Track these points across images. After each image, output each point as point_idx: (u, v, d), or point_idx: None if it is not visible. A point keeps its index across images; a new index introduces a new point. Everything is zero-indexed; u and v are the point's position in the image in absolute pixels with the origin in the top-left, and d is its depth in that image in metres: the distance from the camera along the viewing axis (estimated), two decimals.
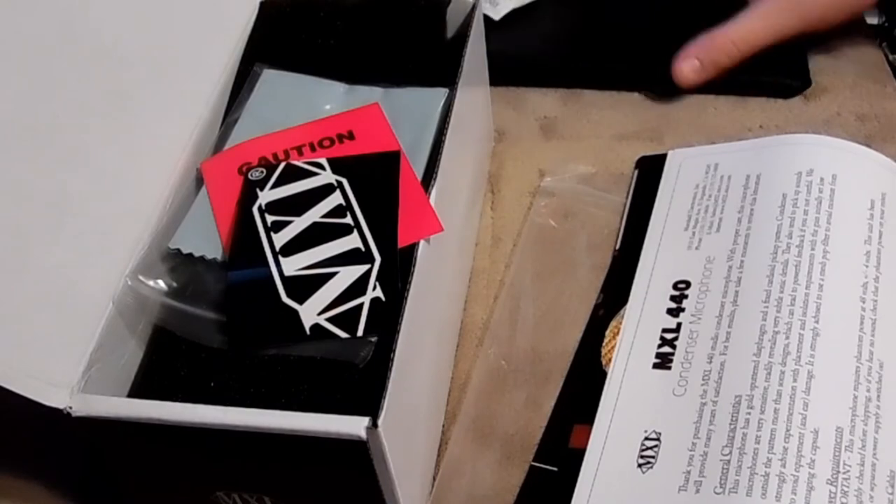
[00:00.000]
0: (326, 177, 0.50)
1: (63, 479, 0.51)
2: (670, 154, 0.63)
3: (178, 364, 0.47)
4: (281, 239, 0.48)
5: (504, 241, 0.61)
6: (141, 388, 0.47)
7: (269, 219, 0.48)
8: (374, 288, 0.46)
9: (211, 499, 0.45)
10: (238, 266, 0.47)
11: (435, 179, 0.49)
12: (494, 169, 0.66)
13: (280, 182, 0.50)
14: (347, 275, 0.46)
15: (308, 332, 0.45)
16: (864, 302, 0.50)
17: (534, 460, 0.50)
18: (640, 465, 0.47)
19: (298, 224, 0.48)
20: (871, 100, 0.67)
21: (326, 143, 0.53)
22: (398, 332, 0.42)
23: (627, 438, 0.49)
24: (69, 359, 0.43)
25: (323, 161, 0.51)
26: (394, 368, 0.40)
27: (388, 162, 0.51)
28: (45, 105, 0.47)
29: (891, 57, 0.71)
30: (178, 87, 0.54)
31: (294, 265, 0.47)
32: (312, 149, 0.53)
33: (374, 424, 0.38)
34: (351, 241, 0.47)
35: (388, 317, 0.44)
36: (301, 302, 0.45)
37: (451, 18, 0.60)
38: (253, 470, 0.43)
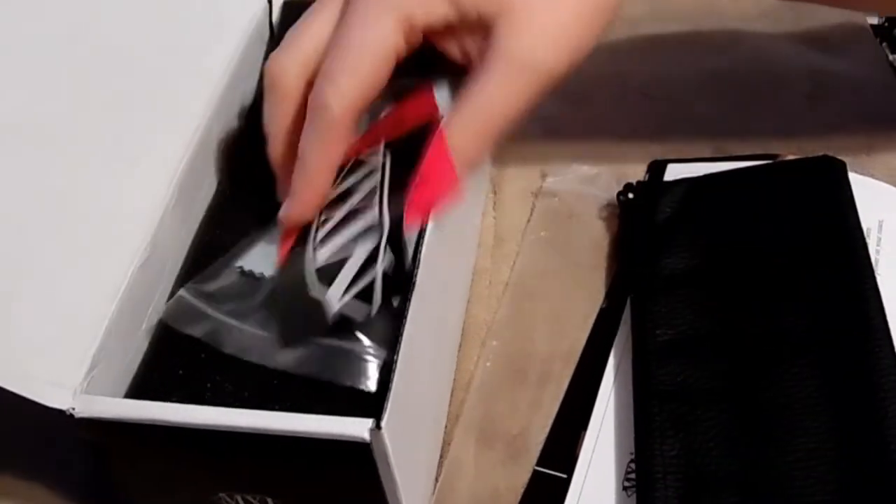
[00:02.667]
0: (376, 160, 0.49)
1: (65, 480, 0.51)
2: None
3: (176, 366, 0.47)
4: (321, 233, 0.47)
5: (506, 241, 0.61)
6: (139, 390, 0.47)
7: (322, 216, 0.48)
8: (385, 254, 0.46)
9: (213, 500, 0.45)
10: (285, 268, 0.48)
11: None
12: (496, 169, 0.66)
13: (343, 178, 0.49)
14: (363, 251, 0.46)
15: (330, 318, 0.45)
16: None
17: (539, 465, 0.50)
18: (625, 489, 0.48)
19: (339, 213, 0.48)
20: (872, 100, 0.67)
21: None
22: (401, 334, 0.42)
23: (614, 458, 0.49)
24: (71, 359, 0.43)
25: (381, 147, 0.50)
26: (397, 370, 0.40)
27: (425, 131, 0.48)
28: (46, 105, 0.47)
29: (891, 57, 0.71)
30: (180, 88, 0.54)
31: (324, 255, 0.46)
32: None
33: (378, 426, 0.38)
34: (371, 217, 0.47)
35: (398, 283, 0.45)
36: (326, 290, 0.45)
37: None
38: (256, 471, 0.43)
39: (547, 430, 0.51)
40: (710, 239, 0.55)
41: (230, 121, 0.57)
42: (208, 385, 0.46)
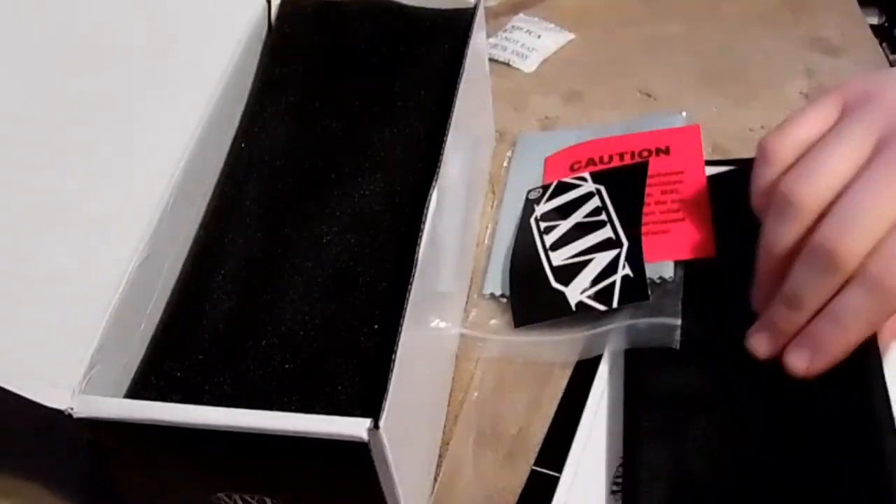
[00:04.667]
0: (588, 186, 0.59)
1: (64, 480, 0.51)
2: None
3: (175, 368, 0.47)
4: (550, 238, 0.57)
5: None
6: (137, 391, 0.47)
7: (542, 225, 0.58)
8: (623, 267, 0.53)
9: (212, 500, 0.45)
10: (517, 263, 0.57)
11: (436, 179, 0.49)
12: (496, 169, 0.66)
13: (552, 197, 0.60)
14: (602, 259, 0.54)
15: (573, 308, 0.53)
16: None
17: (537, 465, 0.50)
18: (613, 493, 0.48)
19: (564, 226, 0.58)
20: None
21: (644, 153, 0.61)
22: (399, 334, 0.42)
23: (605, 462, 0.49)
24: (70, 360, 0.43)
25: (586, 175, 0.60)
26: (395, 370, 0.40)
27: (638, 171, 0.59)
28: (46, 105, 0.47)
29: (891, 57, 0.71)
30: (179, 87, 0.54)
31: (560, 257, 0.56)
32: (632, 157, 0.61)
33: (376, 426, 0.38)
34: (604, 233, 0.56)
35: (637, 290, 0.52)
36: (566, 285, 0.54)
37: (452, 19, 0.60)
38: (254, 471, 0.43)
39: (546, 430, 0.51)
40: None
41: (229, 120, 0.57)
42: (206, 387, 0.46)
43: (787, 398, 0.46)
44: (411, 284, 0.44)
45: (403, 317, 0.43)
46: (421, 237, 0.46)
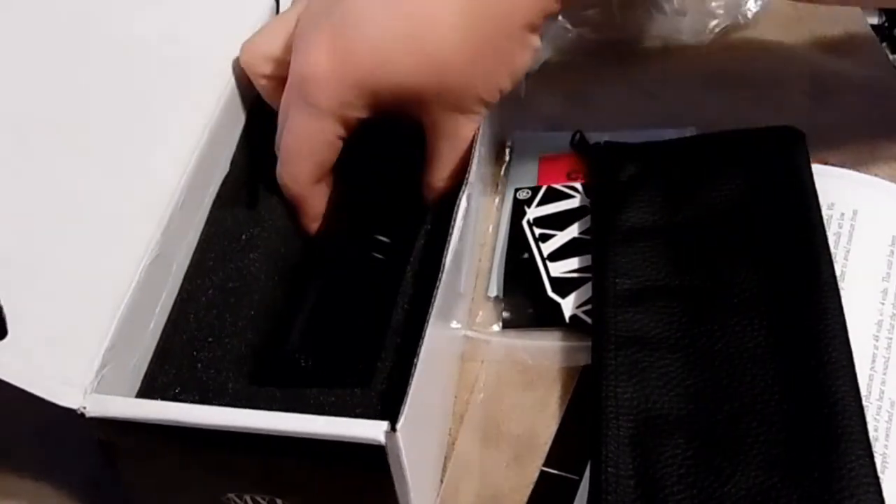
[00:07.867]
0: (580, 199, 0.60)
1: (73, 480, 0.51)
2: None
3: (173, 364, 0.48)
4: (547, 248, 0.58)
5: None
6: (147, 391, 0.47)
7: (537, 231, 0.59)
8: None
9: (222, 500, 0.44)
10: (512, 266, 0.58)
11: (466, 182, 0.49)
12: (496, 169, 0.66)
13: (542, 202, 0.61)
14: None
15: (567, 320, 0.54)
16: (877, 340, 0.50)
17: (547, 465, 0.50)
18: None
19: (561, 237, 0.58)
20: (874, 100, 0.67)
21: None
22: (422, 337, 0.42)
23: None
24: (82, 359, 0.43)
25: (578, 185, 0.61)
26: (416, 373, 0.40)
27: None
28: (55, 102, 0.47)
29: (891, 57, 0.72)
30: (189, 85, 0.54)
31: (559, 269, 0.57)
32: None
33: (393, 428, 0.38)
34: None
35: None
36: (563, 297, 0.55)
37: None
38: (266, 472, 0.43)
39: (552, 430, 0.51)
40: (671, 196, 0.57)
41: (239, 118, 0.57)
42: (209, 382, 0.46)
43: (748, 338, 0.48)
44: (438, 285, 0.44)
45: (427, 320, 0.43)
46: (450, 240, 0.46)
